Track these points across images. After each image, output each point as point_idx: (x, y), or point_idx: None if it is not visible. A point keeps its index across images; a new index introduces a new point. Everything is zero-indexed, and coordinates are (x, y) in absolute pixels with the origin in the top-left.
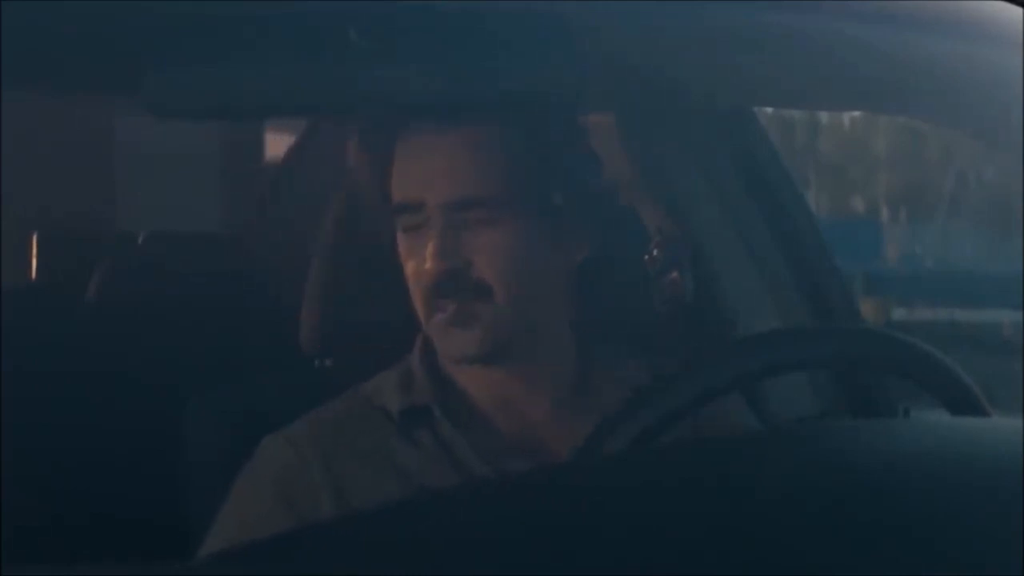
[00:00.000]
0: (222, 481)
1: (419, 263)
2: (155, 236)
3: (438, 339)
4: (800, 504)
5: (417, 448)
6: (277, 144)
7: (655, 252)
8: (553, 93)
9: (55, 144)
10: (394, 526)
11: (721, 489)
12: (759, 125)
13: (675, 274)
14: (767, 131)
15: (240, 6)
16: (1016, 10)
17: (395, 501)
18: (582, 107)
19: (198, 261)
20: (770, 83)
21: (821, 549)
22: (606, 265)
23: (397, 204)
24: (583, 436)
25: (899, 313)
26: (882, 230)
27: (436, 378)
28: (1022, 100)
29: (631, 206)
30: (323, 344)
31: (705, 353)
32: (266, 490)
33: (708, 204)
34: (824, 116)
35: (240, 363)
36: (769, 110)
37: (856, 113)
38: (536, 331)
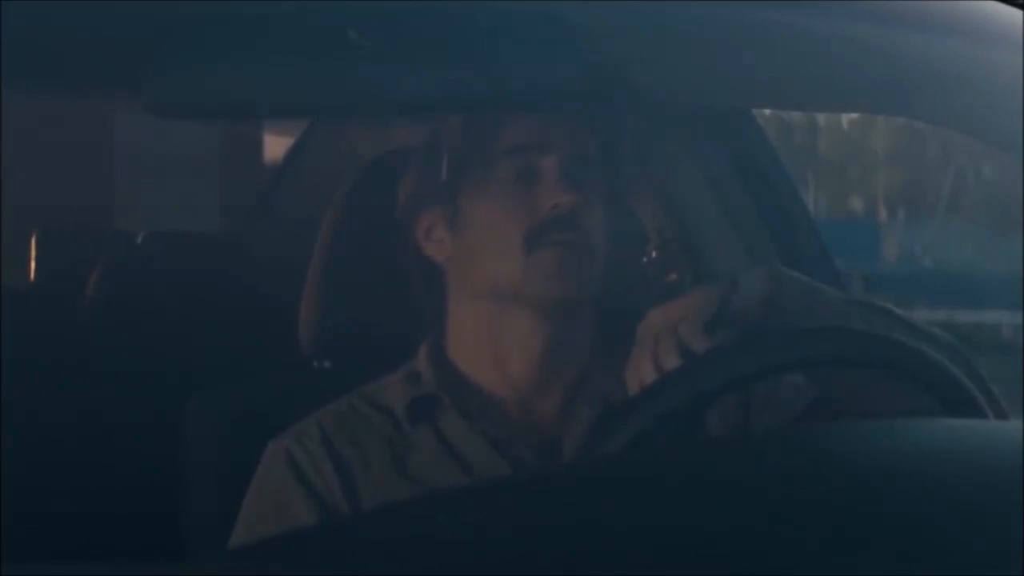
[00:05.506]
0: (221, 481)
1: (528, 200)
2: (155, 236)
3: (530, 277)
4: (800, 504)
5: (425, 439)
6: (277, 144)
7: (654, 253)
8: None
9: (55, 144)
10: (400, 525)
11: (721, 489)
12: (759, 125)
13: (674, 275)
14: (766, 131)
15: (240, 6)
16: (1016, 10)
17: (401, 501)
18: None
19: (198, 261)
20: (770, 83)
21: (821, 549)
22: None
23: (512, 146)
24: (584, 434)
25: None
26: (881, 230)
27: (443, 371)
28: (1022, 100)
29: (631, 207)
30: (323, 345)
31: (704, 353)
32: (277, 492)
33: (708, 204)
34: (822, 116)
35: (240, 363)
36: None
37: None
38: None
